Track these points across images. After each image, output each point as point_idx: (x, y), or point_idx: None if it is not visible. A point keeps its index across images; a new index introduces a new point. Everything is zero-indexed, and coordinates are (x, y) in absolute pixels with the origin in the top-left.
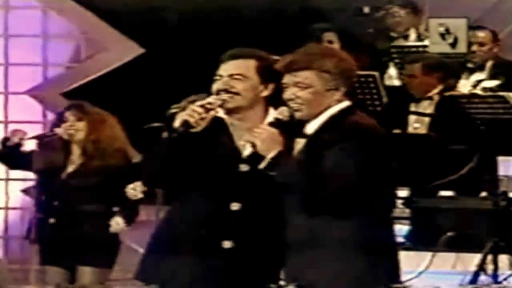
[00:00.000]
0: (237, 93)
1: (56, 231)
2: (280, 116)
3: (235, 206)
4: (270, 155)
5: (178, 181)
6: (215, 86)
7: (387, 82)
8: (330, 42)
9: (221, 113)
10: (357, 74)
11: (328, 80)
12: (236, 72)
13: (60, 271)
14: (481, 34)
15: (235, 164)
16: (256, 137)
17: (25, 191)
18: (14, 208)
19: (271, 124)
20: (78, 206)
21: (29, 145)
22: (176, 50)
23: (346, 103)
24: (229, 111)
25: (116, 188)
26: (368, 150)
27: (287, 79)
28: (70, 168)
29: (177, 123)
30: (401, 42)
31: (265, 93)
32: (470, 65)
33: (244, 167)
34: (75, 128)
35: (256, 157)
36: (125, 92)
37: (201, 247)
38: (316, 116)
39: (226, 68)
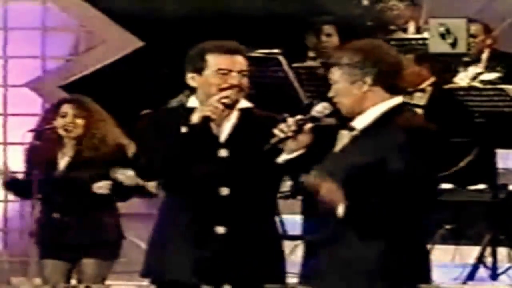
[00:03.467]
0: (243, 90)
1: (61, 226)
2: (317, 114)
3: (224, 191)
4: (341, 210)
5: (176, 172)
6: (232, 80)
7: None
8: (329, 35)
9: (195, 103)
10: (390, 61)
11: (349, 73)
12: (245, 69)
13: (60, 264)
14: (472, 27)
15: (214, 150)
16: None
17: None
18: (13, 201)
19: (310, 119)
20: (79, 199)
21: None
22: (175, 44)
23: (398, 99)
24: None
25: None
26: (432, 151)
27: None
28: (64, 161)
29: (196, 118)
30: (400, 35)
31: None
32: (465, 58)
33: (223, 152)
34: (74, 125)
35: (233, 141)
36: (123, 85)
37: (195, 234)
38: (360, 112)
39: (235, 64)
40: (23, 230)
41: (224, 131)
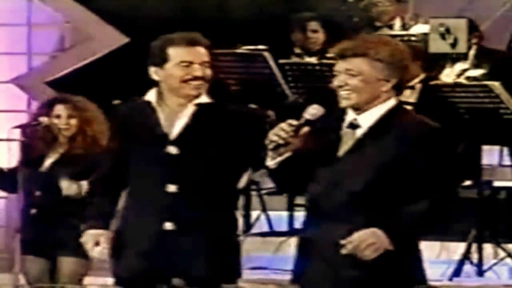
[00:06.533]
0: (207, 82)
1: (37, 222)
2: (310, 117)
3: (171, 188)
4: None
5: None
6: (194, 72)
7: None
8: (315, 31)
9: (151, 97)
10: (408, 69)
11: (380, 70)
12: (207, 60)
13: (40, 261)
14: None
15: (163, 147)
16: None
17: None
18: None
19: (304, 124)
20: (60, 196)
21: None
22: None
23: (396, 100)
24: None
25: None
26: (447, 148)
27: (339, 66)
28: (52, 158)
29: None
30: (385, 32)
31: None
32: (453, 54)
33: (172, 150)
34: (67, 126)
35: (184, 139)
36: (110, 81)
37: (145, 230)
38: (366, 109)
39: (196, 55)
40: (9, 226)
41: (176, 128)
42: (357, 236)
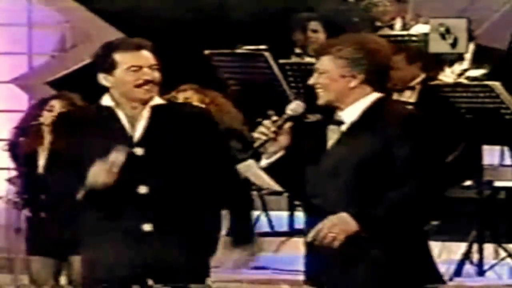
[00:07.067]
0: (157, 84)
1: (48, 224)
2: (291, 113)
3: (142, 189)
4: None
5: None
6: (144, 76)
7: None
8: (315, 31)
9: (109, 102)
10: (386, 63)
11: (342, 67)
12: (154, 63)
13: (48, 262)
14: None
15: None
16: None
17: (10, 180)
18: None
19: (287, 120)
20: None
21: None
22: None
23: (379, 94)
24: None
25: None
26: (427, 136)
27: (315, 65)
28: (43, 157)
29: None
30: (386, 32)
31: None
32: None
33: (139, 151)
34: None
35: (148, 139)
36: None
37: (122, 234)
38: (347, 105)
39: (144, 59)
40: (9, 226)
41: (138, 130)
42: (321, 224)
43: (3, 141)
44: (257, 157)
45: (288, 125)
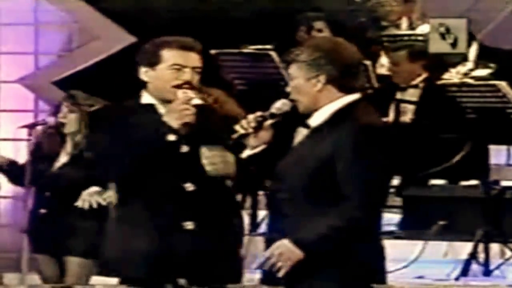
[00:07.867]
0: (195, 87)
1: (46, 222)
2: (275, 111)
3: (190, 187)
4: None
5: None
6: (184, 76)
7: (379, 70)
8: (320, 31)
9: (149, 99)
10: (348, 62)
11: (305, 70)
12: (199, 65)
13: (48, 260)
14: None
15: (176, 146)
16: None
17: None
18: (5, 197)
19: (271, 117)
20: (69, 198)
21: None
22: None
23: (354, 96)
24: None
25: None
26: (379, 150)
27: None
28: (63, 159)
29: (176, 124)
30: (392, 31)
31: None
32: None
33: (184, 148)
34: (67, 120)
35: (193, 137)
36: (116, 80)
37: (163, 231)
38: (316, 109)
39: (189, 60)
40: (16, 225)
41: (181, 129)
42: (269, 252)
43: (8, 141)
44: (240, 149)
45: (269, 122)
